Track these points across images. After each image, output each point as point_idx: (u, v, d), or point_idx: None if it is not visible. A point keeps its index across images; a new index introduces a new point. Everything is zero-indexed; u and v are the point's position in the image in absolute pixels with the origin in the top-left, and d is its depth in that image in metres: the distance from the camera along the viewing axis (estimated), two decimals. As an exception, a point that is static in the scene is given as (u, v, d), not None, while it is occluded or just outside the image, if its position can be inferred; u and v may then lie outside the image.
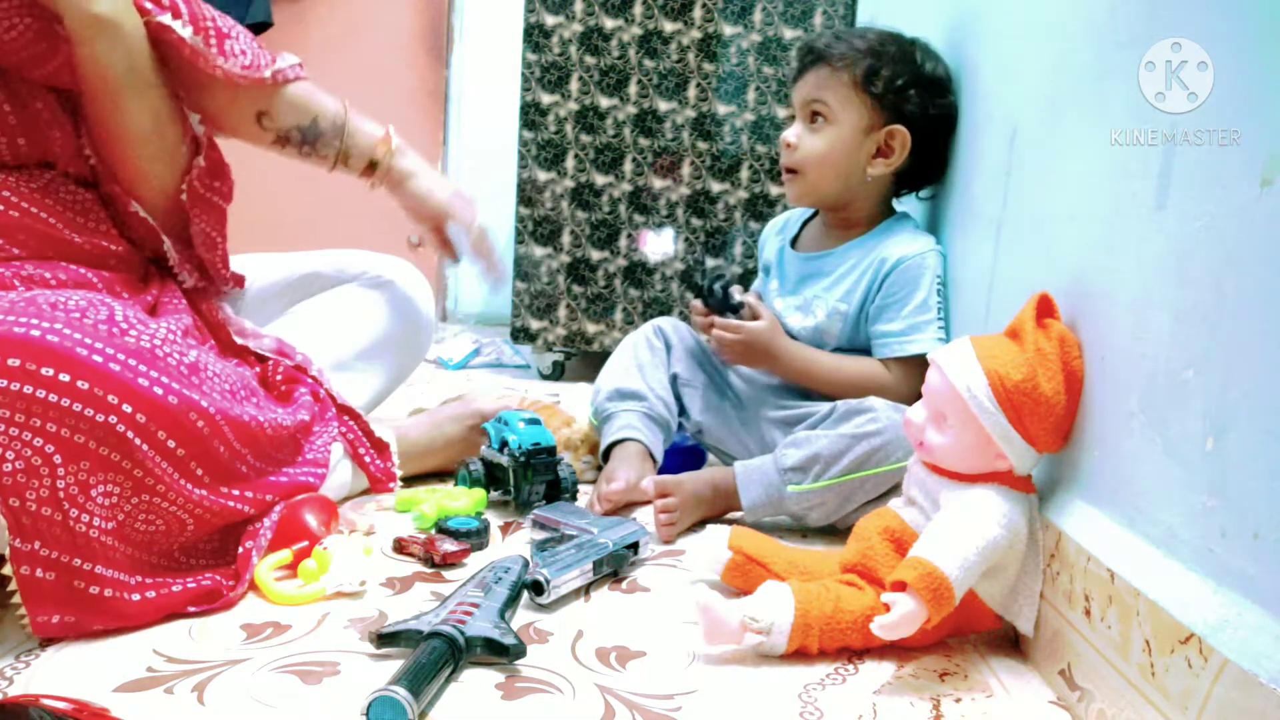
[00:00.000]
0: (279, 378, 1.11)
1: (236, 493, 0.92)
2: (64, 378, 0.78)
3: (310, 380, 1.13)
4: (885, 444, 1.11)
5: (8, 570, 0.77)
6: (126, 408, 0.81)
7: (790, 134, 1.29)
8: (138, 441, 0.82)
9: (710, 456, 1.42)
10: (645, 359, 1.36)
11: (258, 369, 1.11)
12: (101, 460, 0.80)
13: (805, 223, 1.42)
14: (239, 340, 1.13)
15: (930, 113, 1.27)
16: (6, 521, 0.76)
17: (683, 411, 1.37)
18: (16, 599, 0.77)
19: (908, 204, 1.43)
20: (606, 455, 1.30)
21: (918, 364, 1.23)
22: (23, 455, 0.76)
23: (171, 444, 0.84)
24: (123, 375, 0.81)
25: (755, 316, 1.25)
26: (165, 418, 0.84)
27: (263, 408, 1.00)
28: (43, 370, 0.77)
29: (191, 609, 0.86)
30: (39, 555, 0.77)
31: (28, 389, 0.77)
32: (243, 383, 0.98)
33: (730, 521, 1.17)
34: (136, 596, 0.82)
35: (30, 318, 0.80)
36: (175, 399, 0.85)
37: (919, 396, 1.06)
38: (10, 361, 0.77)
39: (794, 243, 1.40)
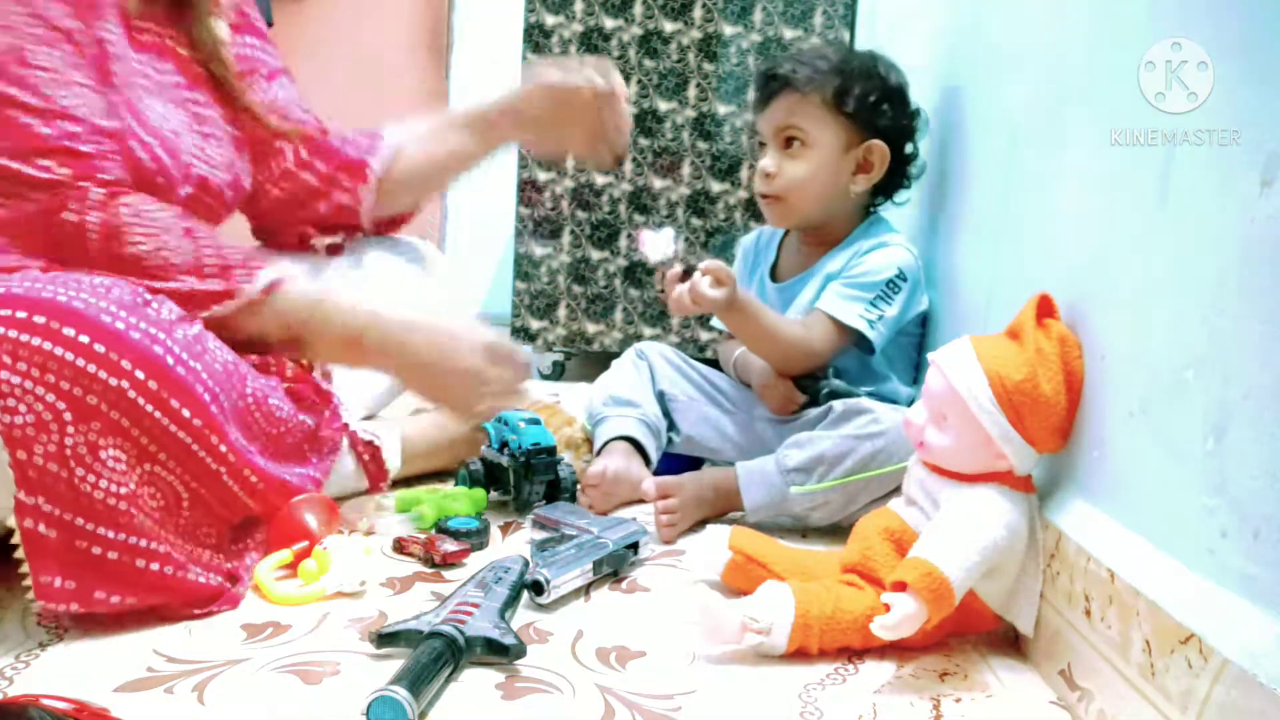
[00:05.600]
0: (288, 374, 1.11)
1: (246, 472, 0.91)
2: (83, 339, 0.79)
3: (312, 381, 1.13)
4: (889, 444, 1.11)
5: (11, 521, 0.77)
6: (139, 374, 0.81)
7: (768, 163, 1.28)
8: (149, 408, 0.82)
9: (707, 463, 1.42)
10: (632, 378, 1.37)
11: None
12: (111, 423, 0.80)
13: (780, 245, 1.42)
14: None
15: (902, 123, 1.29)
16: (14, 474, 0.76)
17: (672, 427, 1.37)
18: (19, 554, 0.77)
19: (885, 210, 1.42)
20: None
21: (836, 329, 1.24)
22: (34, 409, 0.77)
23: (186, 413, 0.84)
24: (141, 343, 0.82)
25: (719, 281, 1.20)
26: (177, 388, 0.84)
27: (274, 388, 1.00)
28: (65, 330, 0.78)
29: (197, 612, 0.86)
30: (42, 511, 0.77)
31: (47, 345, 0.77)
32: (241, 362, 0.97)
33: (731, 521, 1.17)
34: (156, 565, 0.82)
35: (58, 285, 0.81)
36: (184, 370, 0.85)
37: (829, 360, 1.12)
38: (36, 318, 0.77)
39: (774, 272, 1.41)
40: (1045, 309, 0.86)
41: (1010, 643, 0.90)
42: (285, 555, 0.94)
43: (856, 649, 0.86)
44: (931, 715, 0.76)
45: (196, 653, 0.80)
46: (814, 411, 1.22)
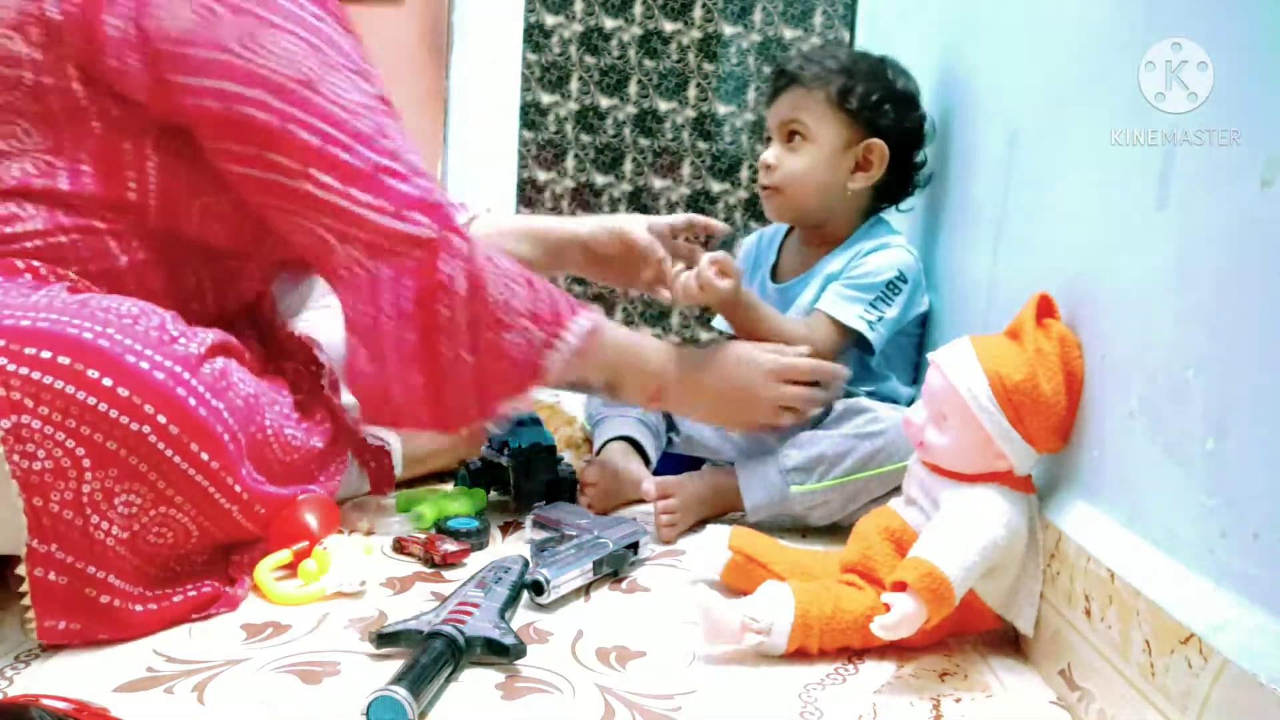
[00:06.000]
0: (301, 384, 1.11)
1: (256, 506, 0.91)
2: (107, 382, 0.78)
3: (324, 390, 1.13)
4: (889, 443, 1.12)
5: (20, 570, 0.77)
6: (161, 418, 0.80)
7: (769, 155, 1.31)
8: (168, 453, 0.81)
9: (707, 463, 1.42)
10: None
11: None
12: (129, 469, 0.80)
13: (781, 246, 1.42)
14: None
15: (905, 126, 1.30)
16: (27, 520, 0.75)
17: (672, 428, 1.37)
18: (23, 588, 0.77)
19: (888, 215, 1.43)
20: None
21: (837, 329, 1.24)
22: (53, 455, 0.76)
23: (205, 455, 0.84)
24: (164, 385, 0.81)
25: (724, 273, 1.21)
26: (198, 430, 0.83)
27: (287, 416, 1.00)
28: (88, 372, 0.77)
29: (195, 615, 0.86)
30: (54, 559, 0.77)
31: (70, 389, 0.76)
32: (264, 391, 0.99)
33: (731, 521, 1.17)
34: (140, 607, 0.82)
35: (84, 320, 0.80)
36: (206, 410, 0.84)
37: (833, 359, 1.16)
38: (60, 359, 0.77)
39: (774, 272, 1.41)
40: (1045, 309, 0.86)
41: (1010, 643, 0.90)
42: (285, 555, 0.94)
43: (856, 649, 0.86)
44: (931, 715, 0.76)
45: (196, 653, 0.80)
46: (814, 412, 1.22)
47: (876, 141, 1.28)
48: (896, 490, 1.12)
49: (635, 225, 1.27)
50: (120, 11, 0.91)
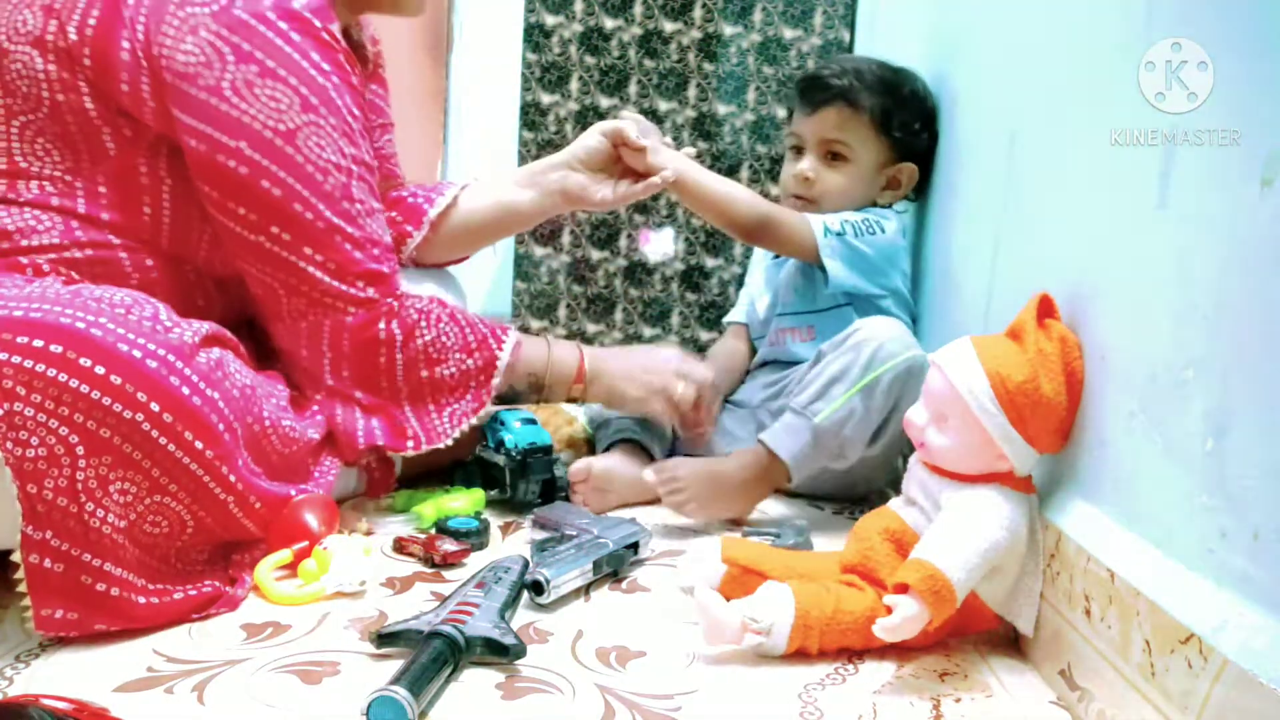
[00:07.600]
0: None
1: (252, 499, 0.91)
2: (99, 370, 0.78)
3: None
4: (882, 343, 1.14)
5: (16, 557, 0.77)
6: (154, 406, 0.81)
7: (807, 168, 1.33)
8: (162, 441, 0.82)
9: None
10: None
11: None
12: (123, 457, 0.80)
13: None
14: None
15: (930, 145, 1.35)
16: (21, 508, 0.76)
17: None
18: (21, 589, 0.77)
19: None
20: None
21: (805, 228, 1.28)
22: (46, 442, 0.76)
23: (199, 444, 0.84)
24: (158, 373, 0.82)
25: None
26: (192, 419, 0.83)
27: (284, 408, 1.01)
28: (81, 360, 0.78)
29: (195, 615, 0.85)
30: (49, 545, 0.77)
31: (63, 377, 0.77)
32: (262, 383, 1.00)
33: (778, 491, 1.19)
34: (143, 599, 0.82)
35: (76, 309, 0.81)
36: (200, 399, 0.84)
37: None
38: (52, 348, 0.77)
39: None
40: (1046, 309, 0.86)
41: (1010, 643, 0.90)
42: (285, 555, 0.94)
43: (857, 649, 0.86)
44: (931, 715, 0.76)
45: (196, 653, 0.80)
46: (801, 368, 1.24)
47: (910, 166, 1.33)
48: (906, 393, 1.13)
49: (604, 125, 1.29)
50: (134, 37, 0.96)
